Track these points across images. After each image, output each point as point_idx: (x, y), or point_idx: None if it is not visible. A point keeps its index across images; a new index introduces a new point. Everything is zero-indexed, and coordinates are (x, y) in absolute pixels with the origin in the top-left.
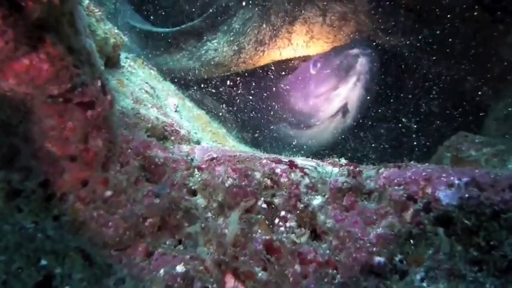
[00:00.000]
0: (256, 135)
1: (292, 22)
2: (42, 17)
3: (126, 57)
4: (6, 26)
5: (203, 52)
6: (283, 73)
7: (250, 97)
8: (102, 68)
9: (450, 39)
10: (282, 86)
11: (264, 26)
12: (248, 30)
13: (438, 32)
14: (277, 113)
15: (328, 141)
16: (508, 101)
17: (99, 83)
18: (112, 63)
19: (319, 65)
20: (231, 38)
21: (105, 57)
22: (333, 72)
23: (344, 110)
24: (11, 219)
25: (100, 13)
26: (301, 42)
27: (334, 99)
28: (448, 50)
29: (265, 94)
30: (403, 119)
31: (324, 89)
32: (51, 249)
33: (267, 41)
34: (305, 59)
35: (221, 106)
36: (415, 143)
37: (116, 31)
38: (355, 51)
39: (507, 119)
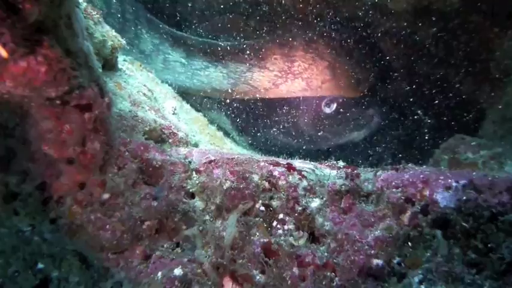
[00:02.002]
0: (267, 143)
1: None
2: (39, 20)
3: (124, 60)
4: (4, 28)
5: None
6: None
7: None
8: (100, 70)
9: (447, 43)
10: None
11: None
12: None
13: (435, 35)
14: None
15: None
16: (504, 103)
17: (97, 86)
18: (110, 65)
19: (333, 106)
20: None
21: (103, 59)
22: (348, 122)
23: (353, 140)
24: (8, 222)
25: (98, 15)
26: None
27: (346, 138)
28: (445, 53)
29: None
30: (401, 122)
31: (337, 131)
32: (48, 253)
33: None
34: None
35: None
36: (412, 145)
37: (114, 33)
38: (370, 111)
39: (504, 122)
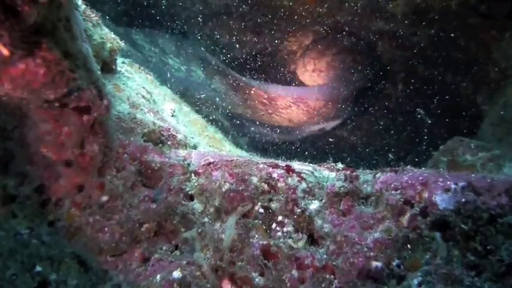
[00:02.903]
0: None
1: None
2: (38, 22)
3: (123, 62)
4: (2, 30)
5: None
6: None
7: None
8: (99, 72)
9: (446, 45)
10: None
11: None
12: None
13: (434, 38)
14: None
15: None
16: (502, 105)
17: (96, 88)
18: (109, 67)
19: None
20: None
21: (102, 61)
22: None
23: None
24: (6, 225)
25: (96, 18)
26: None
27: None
28: (444, 56)
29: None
30: (400, 125)
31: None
32: (46, 255)
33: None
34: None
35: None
36: (412, 147)
37: (113, 36)
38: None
39: (502, 124)
